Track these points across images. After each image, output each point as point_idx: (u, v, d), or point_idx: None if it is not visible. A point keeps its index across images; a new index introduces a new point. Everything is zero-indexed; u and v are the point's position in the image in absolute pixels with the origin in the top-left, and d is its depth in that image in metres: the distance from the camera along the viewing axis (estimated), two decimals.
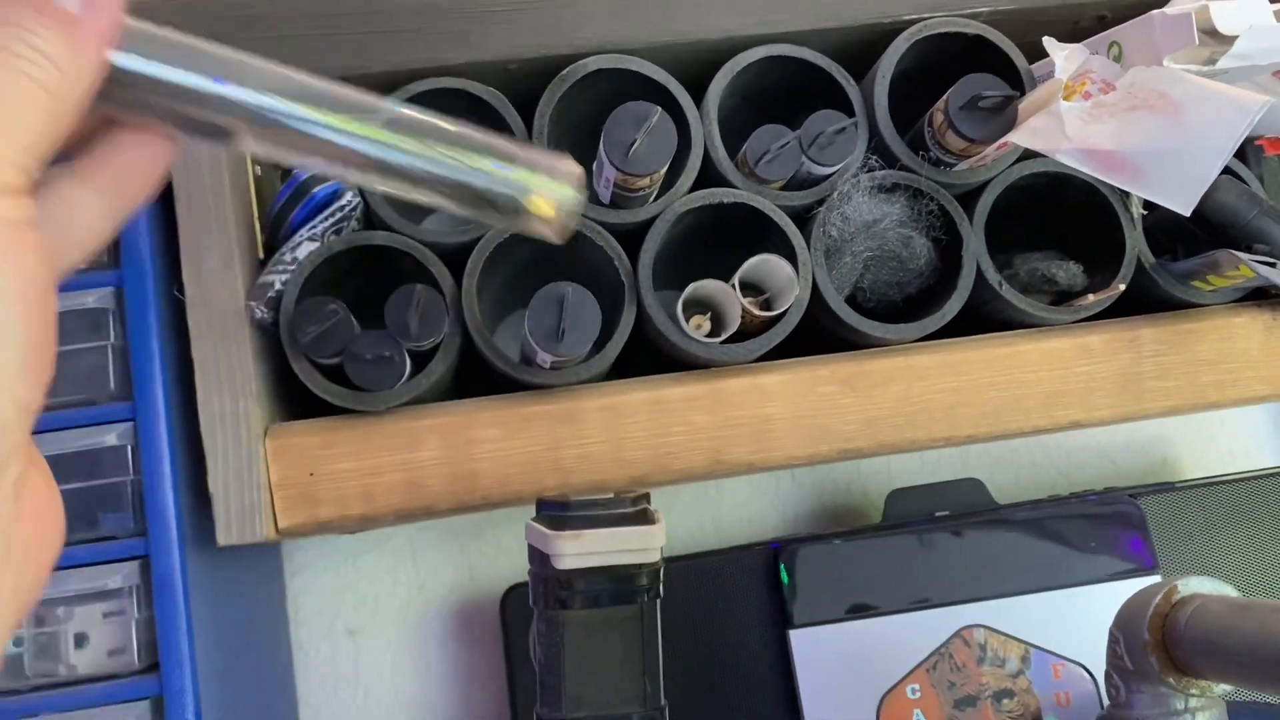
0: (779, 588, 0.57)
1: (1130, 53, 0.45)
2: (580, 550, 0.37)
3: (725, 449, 0.50)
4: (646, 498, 0.41)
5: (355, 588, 0.67)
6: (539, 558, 0.39)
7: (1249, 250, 0.51)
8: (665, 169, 0.47)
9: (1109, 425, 0.52)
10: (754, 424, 0.50)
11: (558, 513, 0.39)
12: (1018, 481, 0.70)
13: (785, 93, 0.54)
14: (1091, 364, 0.52)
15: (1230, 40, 0.42)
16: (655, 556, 0.38)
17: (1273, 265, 0.48)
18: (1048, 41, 0.46)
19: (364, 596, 0.67)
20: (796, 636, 0.56)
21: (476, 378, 0.53)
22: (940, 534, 0.58)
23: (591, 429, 0.49)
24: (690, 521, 0.69)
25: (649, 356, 0.54)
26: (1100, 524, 0.57)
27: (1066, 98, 0.44)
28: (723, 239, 0.53)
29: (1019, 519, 0.58)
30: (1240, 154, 0.57)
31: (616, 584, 0.38)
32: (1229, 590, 0.38)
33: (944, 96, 0.49)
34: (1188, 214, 0.41)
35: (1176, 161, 0.40)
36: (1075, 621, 0.56)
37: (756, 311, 0.49)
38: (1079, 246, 0.55)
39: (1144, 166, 0.41)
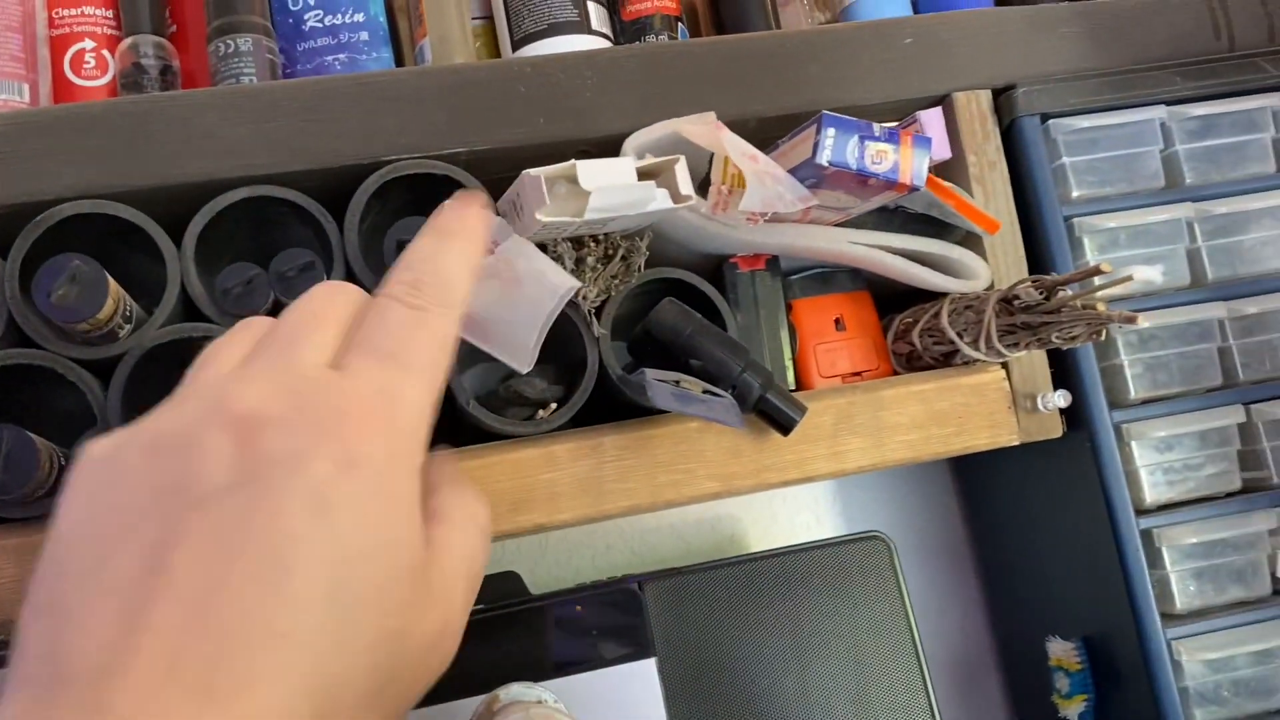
0: None
1: (525, 207, 0.50)
2: None
3: None
4: None
5: None
6: None
7: (686, 366, 0.57)
8: (106, 313, 0.50)
9: (573, 525, 0.58)
10: None
11: None
12: (574, 570, 0.75)
13: (280, 227, 0.58)
14: (555, 471, 0.57)
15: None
16: None
17: (663, 382, 0.54)
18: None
19: None
20: None
21: None
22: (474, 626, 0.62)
23: None
24: None
25: None
26: (602, 611, 0.62)
27: None
28: None
29: (542, 609, 0.63)
30: (718, 272, 0.63)
31: None
32: (545, 695, 0.43)
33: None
34: (525, 371, 0.47)
35: (510, 328, 0.46)
36: (582, 704, 0.61)
37: None
38: (565, 363, 0.60)
39: (490, 329, 0.46)
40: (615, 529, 0.76)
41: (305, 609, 0.25)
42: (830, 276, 0.67)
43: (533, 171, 0.48)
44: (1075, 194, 0.64)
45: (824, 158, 0.50)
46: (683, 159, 0.50)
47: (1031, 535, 0.71)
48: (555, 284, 0.45)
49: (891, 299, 0.68)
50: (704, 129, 0.49)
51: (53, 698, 0.24)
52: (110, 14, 0.65)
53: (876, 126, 0.51)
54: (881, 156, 0.51)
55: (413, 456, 0.29)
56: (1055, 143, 0.64)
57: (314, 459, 0.27)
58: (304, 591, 0.25)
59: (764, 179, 0.51)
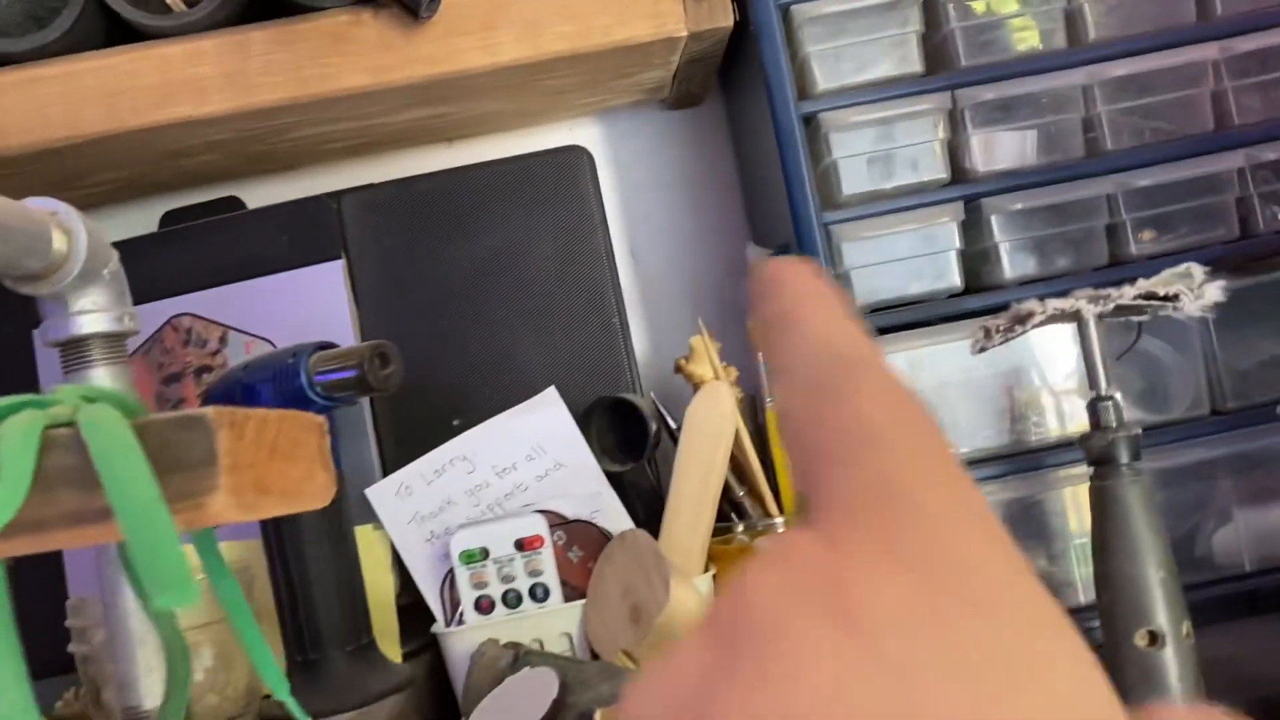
0: None
1: None
2: None
3: None
4: None
5: None
6: None
7: None
8: None
9: (220, 117, 0.59)
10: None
11: None
12: None
13: None
14: (202, 67, 0.59)
15: None
16: None
17: None
18: None
19: None
20: None
21: None
22: (190, 238, 0.66)
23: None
24: None
25: None
26: (298, 222, 0.65)
27: None
28: None
29: (245, 218, 0.67)
30: None
31: None
32: None
33: None
34: None
35: None
36: (266, 305, 0.64)
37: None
38: None
39: None
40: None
41: None
42: None
43: None
44: None
45: None
46: None
47: (756, 156, 0.70)
48: None
49: None
50: None
51: None
52: None
53: None
54: None
55: None
56: None
57: None
58: None
59: None
